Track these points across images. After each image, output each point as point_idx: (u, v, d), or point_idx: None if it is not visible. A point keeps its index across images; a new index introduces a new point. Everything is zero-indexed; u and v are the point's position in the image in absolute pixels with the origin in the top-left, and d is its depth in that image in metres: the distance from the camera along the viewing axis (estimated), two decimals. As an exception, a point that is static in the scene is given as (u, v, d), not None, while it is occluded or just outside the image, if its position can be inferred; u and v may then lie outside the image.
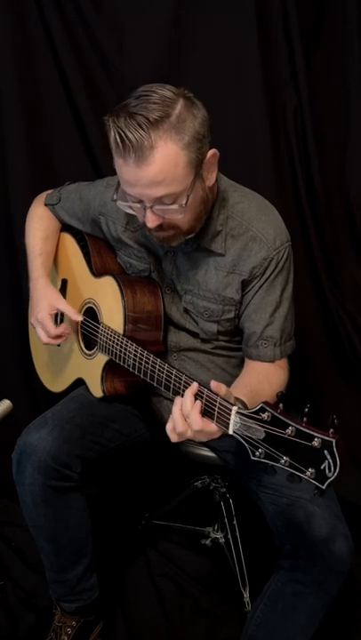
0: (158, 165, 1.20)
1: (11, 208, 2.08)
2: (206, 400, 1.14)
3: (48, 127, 2.05)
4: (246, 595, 1.75)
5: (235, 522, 1.80)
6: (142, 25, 1.97)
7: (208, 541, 1.89)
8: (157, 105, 1.19)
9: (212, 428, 1.13)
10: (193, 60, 2.00)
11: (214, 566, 1.92)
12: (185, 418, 1.14)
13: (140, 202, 1.27)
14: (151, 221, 1.28)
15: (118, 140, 1.19)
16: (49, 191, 1.74)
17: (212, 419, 1.12)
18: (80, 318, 1.56)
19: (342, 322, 2.17)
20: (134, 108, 1.19)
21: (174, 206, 1.26)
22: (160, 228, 1.31)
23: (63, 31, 1.94)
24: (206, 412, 1.14)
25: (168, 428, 1.17)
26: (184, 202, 1.25)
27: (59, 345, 1.72)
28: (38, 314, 1.55)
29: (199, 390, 1.16)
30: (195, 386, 1.16)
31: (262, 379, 1.38)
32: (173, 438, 1.17)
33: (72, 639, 1.62)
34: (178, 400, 1.16)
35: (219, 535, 1.88)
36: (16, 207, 2.04)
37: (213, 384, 1.13)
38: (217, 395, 1.12)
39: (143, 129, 1.17)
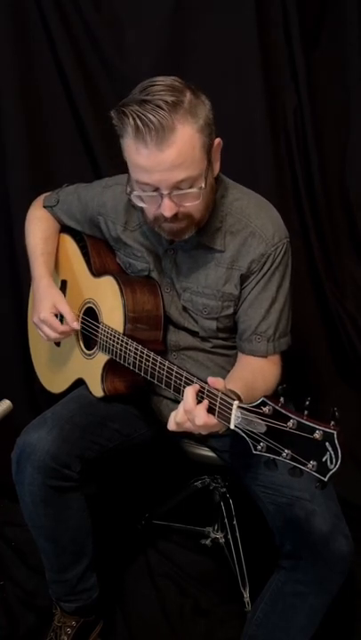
0: (178, 146, 1.20)
1: (11, 208, 2.08)
2: (207, 396, 1.14)
3: (48, 127, 2.05)
4: (246, 595, 1.75)
5: (235, 522, 1.80)
6: (142, 25, 1.97)
7: (208, 541, 1.89)
8: (168, 92, 1.20)
9: (212, 421, 1.13)
10: (193, 60, 2.00)
11: (214, 566, 1.92)
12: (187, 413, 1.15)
13: (157, 190, 1.26)
14: (169, 209, 1.27)
15: (139, 123, 1.18)
16: (47, 193, 1.74)
17: (214, 414, 1.13)
18: (77, 327, 1.55)
19: (342, 322, 2.17)
20: (146, 96, 1.20)
21: (193, 190, 1.26)
22: (175, 217, 1.30)
23: (63, 31, 1.94)
24: (208, 408, 1.14)
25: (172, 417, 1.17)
26: (203, 184, 1.26)
27: (58, 345, 1.72)
28: (41, 313, 1.55)
29: (201, 386, 1.16)
30: (196, 387, 1.16)
31: (256, 373, 1.38)
32: (172, 427, 1.17)
33: (72, 639, 1.62)
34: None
35: (219, 535, 1.87)
36: (16, 207, 2.04)
37: (211, 379, 1.14)
38: (217, 390, 1.12)
39: (164, 109, 1.18)
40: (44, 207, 1.71)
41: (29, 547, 1.82)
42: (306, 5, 1.94)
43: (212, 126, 1.28)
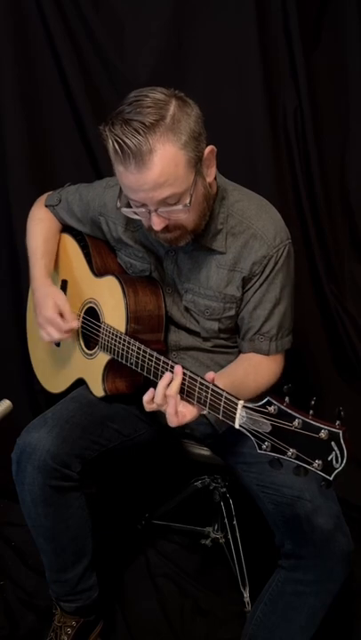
0: (159, 168, 1.21)
1: (11, 209, 2.08)
2: (212, 394, 1.15)
3: (48, 127, 2.05)
4: (246, 595, 1.75)
5: (235, 522, 1.80)
6: (142, 25, 1.97)
7: (208, 541, 1.89)
8: (151, 108, 1.20)
9: (188, 410, 1.22)
10: (193, 61, 2.01)
11: (214, 566, 1.92)
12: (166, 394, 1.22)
13: (144, 206, 1.28)
14: (157, 224, 1.29)
15: (117, 147, 1.21)
16: (49, 192, 1.74)
17: (218, 413, 1.13)
18: (76, 325, 1.55)
19: (342, 322, 2.17)
20: (128, 114, 1.20)
21: (179, 206, 1.27)
22: (166, 229, 1.32)
23: (63, 31, 1.95)
24: (212, 407, 1.15)
25: (145, 398, 1.26)
26: (188, 201, 1.26)
27: (58, 345, 1.72)
28: (46, 312, 1.55)
29: (205, 385, 1.18)
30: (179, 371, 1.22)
31: (250, 370, 1.40)
32: (148, 408, 1.26)
33: (72, 639, 1.62)
34: (167, 376, 1.23)
35: (219, 535, 1.88)
36: (16, 208, 2.04)
37: (208, 375, 1.18)
38: (223, 389, 1.13)
39: (140, 134, 1.18)
40: (46, 206, 1.71)
41: (29, 547, 1.82)
42: (306, 5, 1.94)
43: (198, 138, 1.26)
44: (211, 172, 1.34)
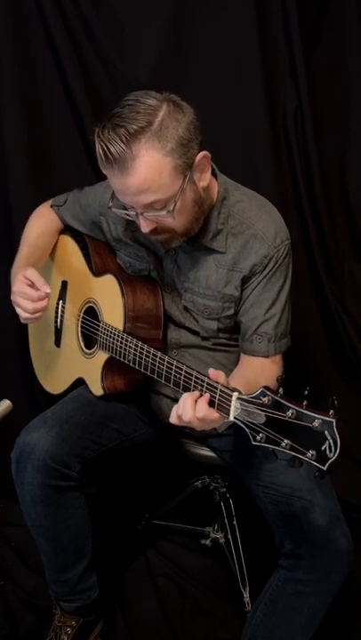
0: (142, 174, 1.22)
1: (11, 209, 2.08)
2: (207, 388, 1.15)
3: (48, 127, 2.05)
4: (246, 595, 1.75)
5: (235, 522, 1.80)
6: (142, 25, 1.97)
7: (208, 541, 1.89)
8: (140, 114, 1.21)
9: (214, 415, 1.13)
10: (193, 61, 2.01)
11: (214, 566, 1.92)
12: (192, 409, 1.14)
13: (133, 208, 1.30)
14: (145, 226, 1.32)
15: (101, 153, 1.23)
16: (59, 195, 1.75)
17: (213, 406, 1.13)
18: (47, 290, 1.45)
19: (342, 322, 2.17)
20: (118, 118, 1.22)
21: (163, 212, 1.28)
22: (155, 231, 1.34)
23: (63, 31, 1.94)
24: (208, 402, 1.14)
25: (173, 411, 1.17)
26: (172, 207, 1.27)
27: (58, 346, 1.72)
28: (15, 287, 1.48)
29: (200, 379, 1.17)
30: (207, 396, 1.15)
31: (258, 372, 1.39)
32: (174, 420, 1.17)
33: (72, 639, 1.62)
34: (195, 395, 1.16)
35: (219, 535, 1.88)
36: (16, 208, 2.04)
37: (212, 372, 1.15)
38: (217, 382, 1.13)
39: (123, 142, 1.20)
40: (52, 206, 1.73)
41: (29, 547, 1.81)
42: (306, 5, 1.94)
43: (188, 145, 1.25)
44: (205, 177, 1.34)
